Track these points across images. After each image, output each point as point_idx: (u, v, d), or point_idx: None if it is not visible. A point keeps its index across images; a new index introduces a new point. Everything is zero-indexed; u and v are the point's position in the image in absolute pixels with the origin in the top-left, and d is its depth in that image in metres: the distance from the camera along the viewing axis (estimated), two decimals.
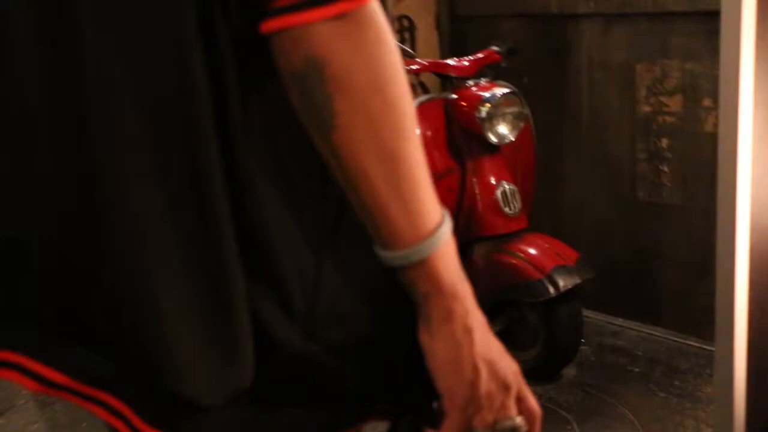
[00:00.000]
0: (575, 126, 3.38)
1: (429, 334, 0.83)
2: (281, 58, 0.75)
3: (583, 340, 2.96)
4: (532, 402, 0.87)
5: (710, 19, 2.85)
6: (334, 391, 0.89)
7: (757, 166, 1.66)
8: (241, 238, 0.80)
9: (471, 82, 2.93)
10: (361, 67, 0.75)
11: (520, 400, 0.86)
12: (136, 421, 0.83)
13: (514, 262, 2.78)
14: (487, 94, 2.83)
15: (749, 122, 1.60)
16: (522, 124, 2.90)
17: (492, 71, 3.04)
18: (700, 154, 3.02)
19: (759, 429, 1.82)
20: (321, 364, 0.86)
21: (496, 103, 2.82)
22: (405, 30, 3.69)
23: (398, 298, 0.85)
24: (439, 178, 2.80)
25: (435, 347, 0.83)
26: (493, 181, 2.88)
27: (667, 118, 3.09)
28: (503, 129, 2.85)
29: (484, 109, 2.80)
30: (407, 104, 0.78)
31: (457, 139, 2.92)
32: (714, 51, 2.87)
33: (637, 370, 2.99)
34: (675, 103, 3.06)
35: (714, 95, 2.92)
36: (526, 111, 2.92)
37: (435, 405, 0.88)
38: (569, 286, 2.71)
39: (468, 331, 0.82)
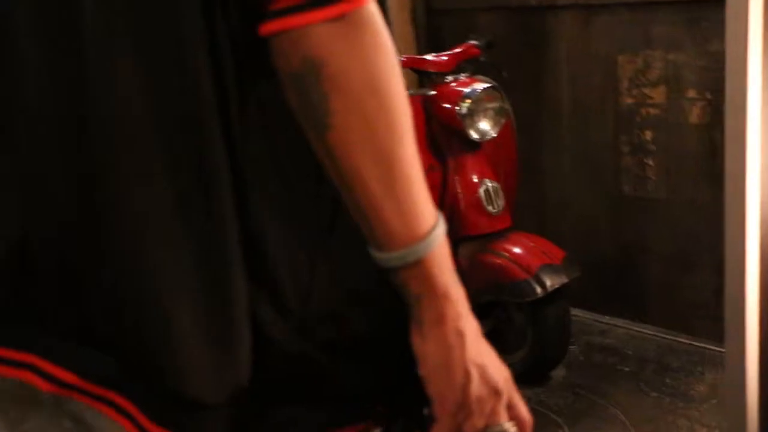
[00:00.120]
0: (556, 120, 3.31)
1: (420, 337, 0.83)
2: (280, 60, 0.76)
3: (571, 340, 2.89)
4: (523, 409, 0.87)
5: (693, 8, 2.85)
6: (332, 391, 0.89)
7: (766, 163, 1.58)
8: (243, 238, 0.81)
9: (450, 78, 2.85)
10: (358, 68, 0.76)
11: (510, 407, 0.86)
12: (143, 420, 0.84)
13: (500, 262, 2.71)
14: (467, 90, 2.75)
15: (757, 117, 1.53)
16: (503, 120, 2.82)
17: (471, 66, 2.96)
18: (684, 146, 2.96)
19: None
20: (316, 363, 0.86)
21: (477, 98, 2.74)
22: None
23: (391, 299, 0.84)
24: None
25: (426, 350, 0.83)
26: (475, 179, 2.80)
27: (651, 110, 3.02)
28: (485, 125, 2.77)
29: (465, 105, 2.72)
30: (403, 106, 0.78)
31: (437, 136, 2.83)
32: (697, 40, 2.85)
33: (627, 369, 2.93)
34: (658, 95, 2.99)
35: (698, 86, 2.88)
36: (507, 106, 2.84)
37: (426, 410, 0.86)
38: (556, 286, 2.65)
39: (460, 334, 0.82)
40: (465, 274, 2.74)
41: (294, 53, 0.75)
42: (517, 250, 2.73)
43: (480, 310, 2.78)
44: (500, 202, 2.80)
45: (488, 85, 2.78)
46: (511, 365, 2.56)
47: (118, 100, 0.77)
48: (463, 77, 2.86)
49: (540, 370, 2.86)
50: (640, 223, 3.14)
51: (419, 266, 0.80)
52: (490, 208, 2.77)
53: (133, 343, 0.82)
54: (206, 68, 0.77)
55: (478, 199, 2.77)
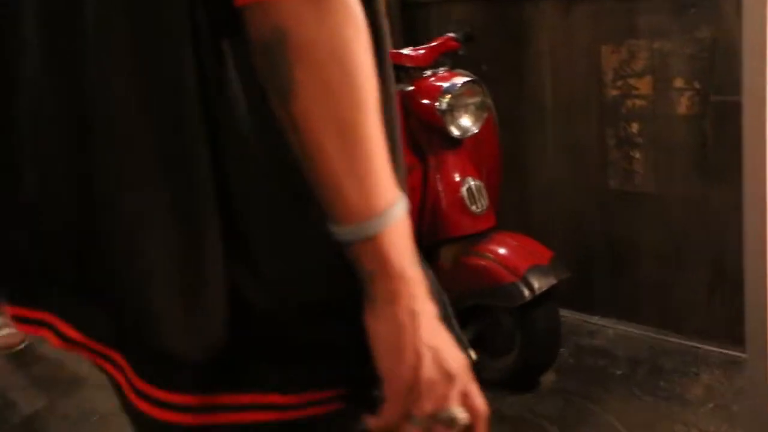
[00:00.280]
0: (539, 114, 3.19)
1: (373, 315, 0.83)
2: (251, 30, 0.78)
3: None
4: (478, 399, 0.87)
5: None
6: (308, 352, 0.89)
7: None
8: (219, 203, 0.83)
9: (428, 73, 2.73)
10: (325, 39, 0.76)
11: (464, 395, 0.86)
12: (131, 375, 0.90)
13: (485, 264, 2.59)
14: (446, 85, 2.63)
15: None
16: (485, 115, 2.70)
17: (449, 60, 2.84)
18: (673, 137, 2.86)
19: None
20: (290, 325, 0.87)
21: (457, 93, 2.62)
22: None
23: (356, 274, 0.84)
24: None
25: (378, 329, 0.83)
26: (457, 177, 2.68)
27: (637, 102, 2.92)
28: (466, 121, 2.65)
29: (445, 101, 2.60)
30: (369, 80, 0.79)
31: (416, 134, 2.70)
32: (684, 28, 2.73)
33: (619, 372, 2.81)
34: (644, 86, 2.89)
35: (686, 75, 2.78)
36: (489, 100, 2.72)
37: (376, 391, 0.85)
38: (545, 288, 2.53)
39: (413, 315, 0.82)
40: (448, 277, 2.62)
41: (264, 23, 0.76)
42: (502, 251, 2.62)
43: (465, 315, 2.67)
44: (484, 201, 2.68)
45: (468, 79, 2.66)
46: (499, 370, 2.50)
47: (114, 96, 0.82)
48: (441, 71, 2.74)
49: (529, 375, 2.75)
50: (628, 218, 3.04)
51: (374, 242, 0.80)
52: (473, 207, 2.65)
53: (120, 303, 0.87)
54: (190, 61, 0.80)
55: (461, 199, 2.65)
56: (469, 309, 2.67)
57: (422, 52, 2.77)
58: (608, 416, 2.56)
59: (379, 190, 0.80)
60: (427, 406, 0.83)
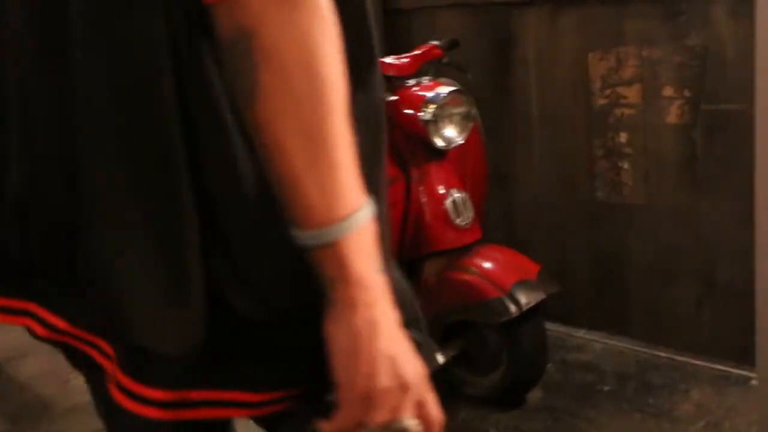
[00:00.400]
0: (525, 123, 3.13)
1: (332, 321, 0.83)
2: (218, 29, 0.77)
3: None
4: (434, 410, 0.87)
5: (669, 1, 2.65)
6: (285, 354, 0.90)
7: None
8: (198, 205, 0.83)
9: (412, 82, 2.65)
10: (290, 41, 0.76)
11: (420, 406, 0.86)
12: (117, 365, 0.91)
13: (470, 279, 2.50)
14: (430, 94, 2.55)
15: None
16: (470, 125, 2.62)
17: (433, 68, 2.77)
18: (662, 148, 2.80)
19: None
20: (269, 327, 0.88)
21: (442, 103, 2.54)
22: None
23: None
24: None
25: (335, 334, 0.83)
26: (441, 189, 2.60)
27: (625, 111, 2.85)
28: (450, 131, 2.57)
29: (429, 111, 2.52)
30: (337, 85, 0.78)
31: (399, 144, 2.61)
32: (674, 35, 2.67)
33: (607, 388, 2.74)
34: (633, 94, 2.82)
35: (676, 83, 2.72)
36: (474, 110, 2.64)
37: (330, 396, 0.85)
38: (532, 304, 2.45)
39: (371, 323, 0.82)
40: (433, 293, 2.55)
41: (229, 21, 0.76)
42: (488, 265, 2.54)
43: (450, 331, 2.60)
44: (469, 214, 2.60)
45: (453, 88, 2.58)
46: (485, 388, 2.42)
47: (94, 92, 0.82)
48: (425, 81, 2.66)
49: (515, 392, 2.67)
50: (616, 230, 2.97)
51: (334, 249, 0.80)
52: (458, 220, 2.57)
53: (102, 300, 0.87)
54: (166, 60, 0.80)
55: (445, 212, 2.57)
56: (454, 325, 2.59)
57: (405, 60, 2.69)
58: None
59: (342, 196, 0.80)
60: (380, 416, 0.83)
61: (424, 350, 0.94)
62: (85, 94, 0.83)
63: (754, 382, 2.62)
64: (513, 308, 2.43)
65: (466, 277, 2.51)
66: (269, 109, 0.77)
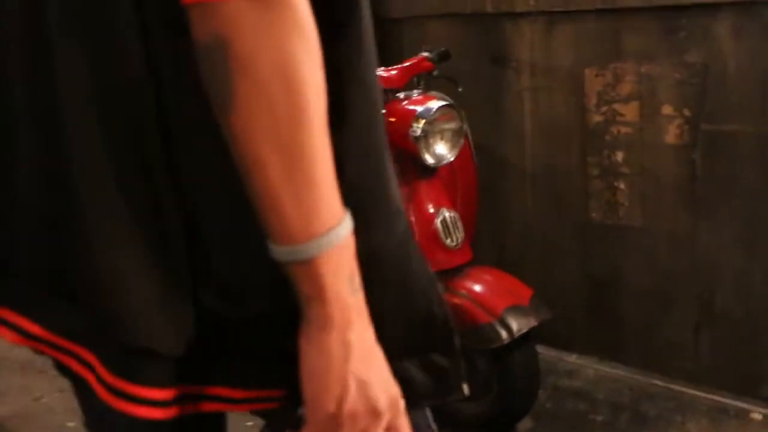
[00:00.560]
0: (518, 140, 3.02)
1: (305, 338, 0.82)
2: (193, 31, 0.75)
3: None
4: None
5: (669, 15, 2.57)
6: (267, 355, 0.89)
7: None
8: (178, 194, 0.84)
9: (401, 95, 2.54)
10: (268, 52, 0.74)
11: (391, 430, 0.85)
12: (101, 370, 0.88)
13: (460, 303, 2.39)
14: (420, 109, 2.44)
15: None
16: (461, 141, 2.51)
17: (423, 80, 2.66)
18: (660, 168, 2.70)
19: None
20: (247, 327, 0.88)
21: (432, 118, 2.43)
22: None
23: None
24: None
25: (307, 352, 0.82)
26: (431, 208, 2.48)
27: (622, 129, 2.75)
28: (441, 148, 2.47)
29: (419, 126, 2.41)
30: (316, 97, 0.77)
31: None
32: (673, 52, 2.58)
33: (600, 418, 2.63)
34: (630, 112, 2.73)
35: (675, 102, 2.62)
36: (466, 126, 2.53)
37: (300, 411, 0.85)
38: (524, 330, 2.35)
39: (345, 344, 0.81)
40: None
41: (204, 26, 0.74)
42: (479, 288, 2.43)
43: None
44: (459, 234, 2.49)
45: (444, 103, 2.48)
46: (474, 415, 2.30)
47: (78, 96, 0.82)
48: (415, 94, 2.55)
49: (505, 421, 2.56)
50: (611, 253, 2.87)
51: (310, 266, 0.79)
52: (448, 241, 2.46)
53: (92, 298, 0.86)
54: (140, 61, 0.80)
55: (435, 232, 2.46)
56: None
57: (394, 72, 2.59)
58: None
59: (319, 212, 0.78)
60: None
61: (449, 378, 0.95)
62: (67, 98, 0.83)
63: (754, 415, 2.52)
64: (504, 335, 2.33)
65: (456, 300, 2.40)
66: (245, 120, 0.75)
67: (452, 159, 2.49)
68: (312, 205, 0.78)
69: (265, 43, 0.74)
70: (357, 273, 0.82)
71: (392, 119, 2.46)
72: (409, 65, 2.63)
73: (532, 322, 2.37)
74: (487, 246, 3.02)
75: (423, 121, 2.41)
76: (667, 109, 2.64)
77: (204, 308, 0.86)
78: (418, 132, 2.41)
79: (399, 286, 0.92)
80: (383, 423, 0.83)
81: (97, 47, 0.81)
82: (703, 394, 2.67)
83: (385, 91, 2.52)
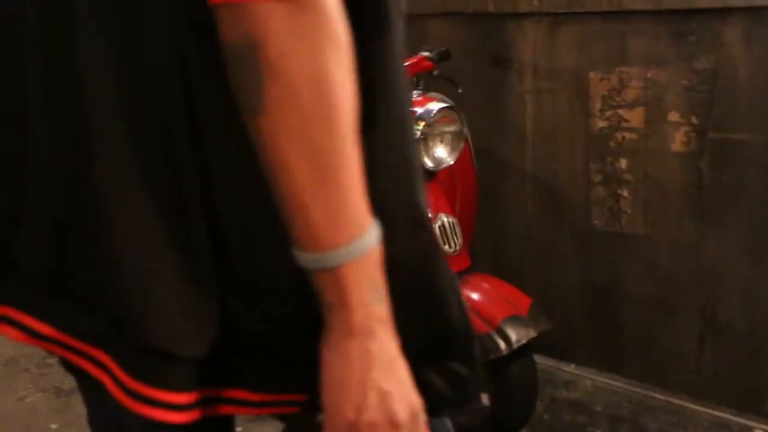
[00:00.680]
0: (519, 144, 2.95)
1: (327, 345, 0.82)
2: (221, 30, 0.75)
3: None
4: None
5: (678, 19, 2.50)
6: (288, 360, 0.89)
7: None
8: (201, 195, 0.84)
9: None
10: (300, 55, 0.73)
11: None
12: (119, 372, 0.87)
13: None
14: (420, 111, 2.38)
15: None
16: (461, 145, 2.45)
17: (422, 81, 2.60)
18: (665, 176, 2.63)
19: None
20: (267, 330, 0.88)
21: (432, 120, 2.36)
22: None
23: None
24: None
25: (329, 360, 0.82)
26: (429, 213, 2.40)
27: (627, 135, 2.69)
28: (441, 151, 2.40)
29: (418, 129, 2.34)
30: (347, 102, 0.76)
31: None
32: (682, 57, 2.51)
33: (598, 431, 2.56)
34: (635, 118, 2.66)
35: (682, 108, 2.56)
36: (466, 129, 2.46)
37: (319, 417, 0.84)
38: (523, 341, 2.28)
39: (367, 353, 0.80)
40: None
41: (234, 26, 0.74)
42: (477, 297, 2.36)
43: None
44: (458, 240, 2.42)
45: (444, 105, 2.41)
46: (469, 428, 2.23)
47: (103, 92, 0.81)
48: (415, 95, 2.48)
49: None
50: (612, 261, 2.80)
51: (335, 274, 0.78)
52: (446, 247, 2.39)
53: (112, 299, 0.85)
54: (171, 57, 0.80)
55: None
56: None
57: None
58: None
59: (346, 220, 0.78)
60: None
61: (468, 387, 0.95)
62: (92, 99, 0.82)
63: None
64: (502, 345, 2.26)
65: None
66: (274, 124, 0.74)
67: (452, 163, 2.43)
68: (340, 212, 0.77)
69: (297, 46, 0.73)
70: (383, 282, 0.81)
71: None
72: (409, 64, 2.56)
73: (531, 333, 2.31)
74: (486, 251, 2.97)
75: (422, 123, 2.35)
76: (673, 116, 2.58)
77: (226, 310, 0.86)
78: (418, 134, 2.33)
79: (422, 294, 0.91)
80: None
81: (124, 47, 0.81)
82: (704, 409, 2.61)
83: None
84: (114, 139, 0.82)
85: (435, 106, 2.39)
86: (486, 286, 2.41)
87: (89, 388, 0.99)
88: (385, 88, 0.85)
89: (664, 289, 2.70)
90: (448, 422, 1.05)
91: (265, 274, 0.86)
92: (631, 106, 2.65)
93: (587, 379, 2.86)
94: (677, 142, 2.58)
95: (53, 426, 2.66)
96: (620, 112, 2.68)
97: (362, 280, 0.79)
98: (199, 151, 0.82)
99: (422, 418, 0.85)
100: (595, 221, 2.81)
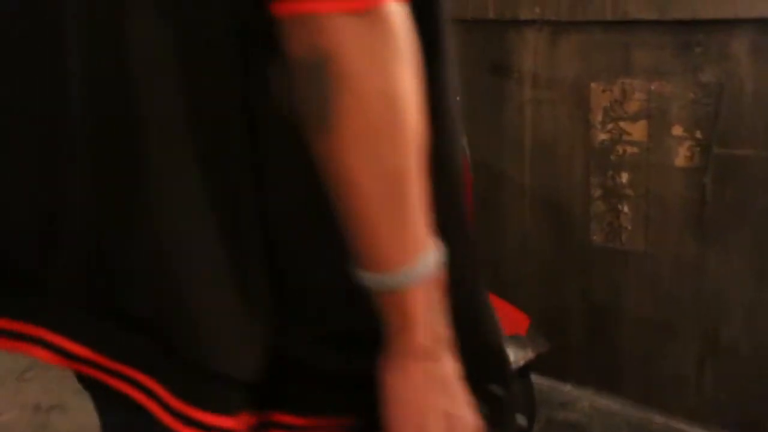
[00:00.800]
0: (517, 156, 2.89)
1: (389, 368, 0.82)
2: (289, 43, 0.74)
3: None
4: None
5: (684, 30, 2.43)
6: (335, 381, 0.87)
7: None
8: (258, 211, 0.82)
9: None
10: (374, 72, 0.72)
11: None
12: (165, 394, 0.84)
13: None
14: None
15: None
16: None
17: None
18: (667, 191, 2.57)
19: None
20: (314, 351, 0.86)
21: None
22: None
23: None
24: None
25: (391, 380, 0.82)
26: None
27: (628, 149, 2.62)
28: None
29: None
30: (417, 121, 0.75)
31: None
32: (687, 69, 2.44)
33: None
34: (638, 131, 2.59)
35: (686, 122, 2.49)
36: (464, 141, 2.38)
37: None
38: (521, 363, 2.23)
39: (430, 376, 0.81)
40: None
41: (304, 40, 0.72)
42: None
43: None
44: None
45: None
46: None
47: (157, 98, 0.78)
48: None
49: None
50: (611, 278, 2.74)
51: (400, 295, 0.78)
52: None
53: (162, 318, 0.82)
54: (235, 66, 0.78)
55: None
56: None
57: None
58: None
59: (415, 240, 0.78)
60: None
61: (504, 410, 0.95)
62: (146, 98, 0.78)
63: None
64: None
65: None
66: (343, 140, 0.73)
67: None
68: (407, 231, 0.77)
69: (369, 61, 0.72)
70: (444, 302, 0.82)
71: None
72: None
73: (529, 355, 2.25)
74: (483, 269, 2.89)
75: None
76: (677, 130, 2.51)
77: (279, 328, 0.85)
78: None
79: (468, 316, 0.91)
80: None
81: (187, 38, 0.78)
82: None
83: None
84: (169, 140, 0.79)
85: None
86: None
87: (111, 408, 0.95)
88: (440, 101, 0.84)
89: (665, 309, 2.64)
90: None
91: (317, 292, 0.85)
92: (634, 118, 2.59)
93: (584, 400, 2.80)
94: (680, 156, 2.52)
95: None
96: (622, 124, 2.62)
97: (426, 301, 0.80)
98: (256, 164, 0.80)
99: None
100: (595, 237, 2.75)
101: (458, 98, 0.90)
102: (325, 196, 0.77)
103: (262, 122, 0.80)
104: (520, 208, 2.92)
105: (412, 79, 0.74)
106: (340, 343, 0.87)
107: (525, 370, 2.27)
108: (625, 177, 2.65)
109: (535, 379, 2.68)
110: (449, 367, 0.83)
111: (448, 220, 0.86)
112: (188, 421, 0.83)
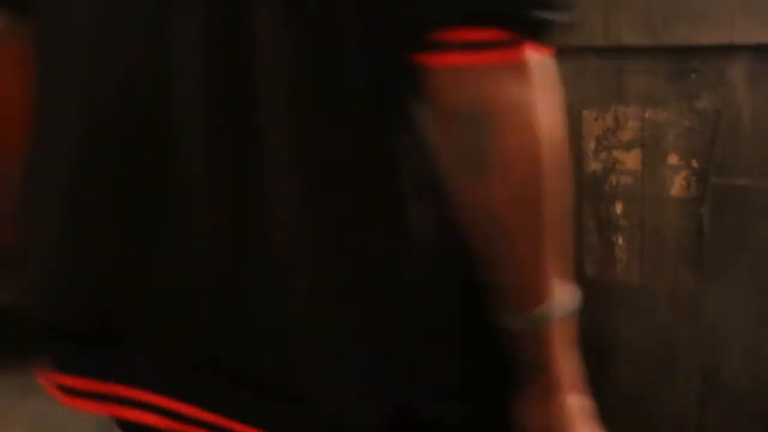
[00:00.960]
0: None
1: (527, 405, 0.86)
2: (440, 92, 0.75)
3: None
4: None
5: (679, 56, 2.40)
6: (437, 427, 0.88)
7: None
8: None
9: None
10: (529, 124, 0.75)
11: None
12: None
13: None
14: None
15: None
16: None
17: None
18: (663, 222, 2.53)
19: None
20: (428, 405, 0.87)
21: None
22: None
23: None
24: None
25: (531, 418, 0.85)
26: None
27: (622, 178, 2.59)
28: None
29: None
30: (566, 164, 0.78)
31: None
32: (682, 96, 2.40)
33: None
34: (632, 160, 2.56)
35: (682, 151, 2.46)
36: None
37: None
38: None
39: (568, 410, 0.85)
40: None
41: (461, 92, 0.74)
42: None
43: None
44: None
45: None
46: None
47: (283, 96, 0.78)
48: None
49: None
50: (605, 313, 2.69)
51: (541, 333, 0.81)
52: None
53: (288, 376, 0.81)
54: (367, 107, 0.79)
55: None
56: None
57: None
58: None
59: (551, 278, 0.80)
60: None
61: None
62: (273, 146, 0.78)
63: None
64: None
65: None
66: (495, 189, 0.76)
67: None
68: (549, 270, 0.80)
69: (523, 113, 0.75)
70: (575, 338, 0.85)
71: None
72: None
73: None
74: None
75: None
76: (672, 159, 2.49)
77: (406, 384, 0.85)
78: None
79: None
80: None
81: (317, 77, 0.78)
82: None
83: None
84: (296, 183, 0.79)
85: None
86: None
87: None
88: None
89: (662, 344, 2.59)
90: None
91: (448, 344, 0.86)
92: (627, 147, 2.57)
93: None
94: (676, 186, 2.49)
95: None
96: (615, 153, 2.60)
97: (563, 337, 0.84)
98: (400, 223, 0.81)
99: None
100: (587, 269, 2.71)
101: None
102: (458, 245, 0.79)
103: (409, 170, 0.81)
104: None
105: (563, 129, 0.79)
106: (466, 393, 0.89)
107: None
108: (619, 207, 2.61)
109: None
110: (582, 399, 0.88)
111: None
112: None
